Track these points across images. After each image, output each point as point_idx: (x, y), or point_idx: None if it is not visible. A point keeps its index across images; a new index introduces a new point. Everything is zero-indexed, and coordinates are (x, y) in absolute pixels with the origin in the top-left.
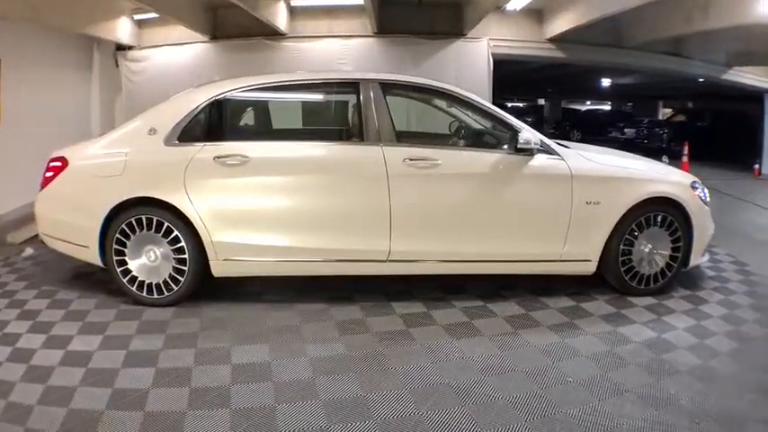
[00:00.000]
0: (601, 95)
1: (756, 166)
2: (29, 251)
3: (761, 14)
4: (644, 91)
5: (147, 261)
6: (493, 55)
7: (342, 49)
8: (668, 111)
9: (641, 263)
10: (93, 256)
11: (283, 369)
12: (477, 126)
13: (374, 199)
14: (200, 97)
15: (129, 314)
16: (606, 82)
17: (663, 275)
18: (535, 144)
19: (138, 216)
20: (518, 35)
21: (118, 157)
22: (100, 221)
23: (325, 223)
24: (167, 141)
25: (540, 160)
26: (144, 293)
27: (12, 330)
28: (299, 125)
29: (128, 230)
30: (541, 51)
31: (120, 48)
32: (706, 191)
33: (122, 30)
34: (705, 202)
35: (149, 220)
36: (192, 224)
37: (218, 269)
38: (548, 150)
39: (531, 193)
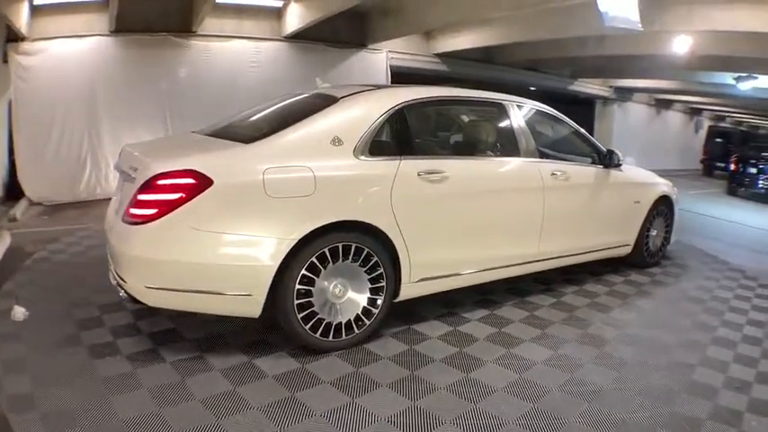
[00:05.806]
0: None
1: None
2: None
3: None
4: None
5: (334, 298)
6: (391, 67)
7: (253, 53)
8: None
9: (654, 243)
10: (254, 307)
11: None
12: (567, 145)
13: (536, 207)
14: (380, 106)
15: (331, 371)
16: None
17: (660, 251)
18: (621, 160)
19: (332, 245)
20: (409, 48)
21: (303, 173)
22: (280, 257)
23: (505, 232)
24: (357, 154)
25: (614, 172)
26: (330, 337)
27: None
28: (461, 139)
29: (318, 264)
30: (429, 65)
31: (10, 40)
32: (675, 189)
33: (24, 16)
34: (676, 197)
35: (345, 248)
36: (392, 246)
37: (408, 291)
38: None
39: (611, 197)
